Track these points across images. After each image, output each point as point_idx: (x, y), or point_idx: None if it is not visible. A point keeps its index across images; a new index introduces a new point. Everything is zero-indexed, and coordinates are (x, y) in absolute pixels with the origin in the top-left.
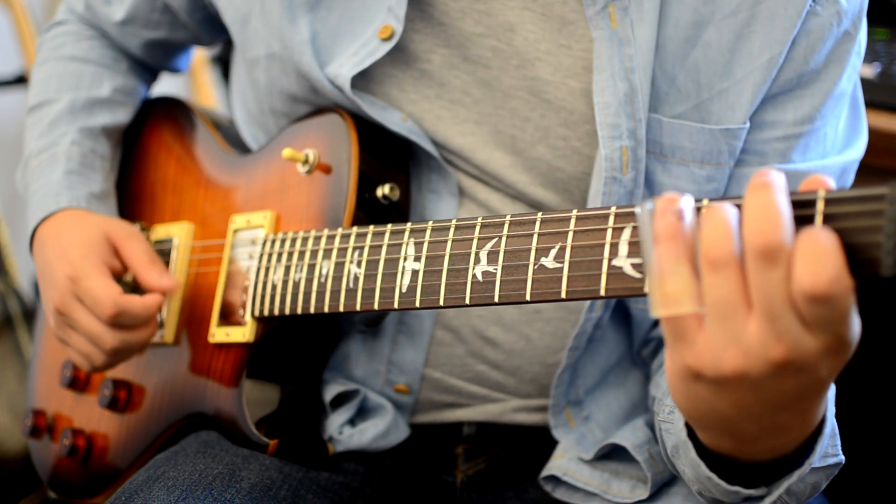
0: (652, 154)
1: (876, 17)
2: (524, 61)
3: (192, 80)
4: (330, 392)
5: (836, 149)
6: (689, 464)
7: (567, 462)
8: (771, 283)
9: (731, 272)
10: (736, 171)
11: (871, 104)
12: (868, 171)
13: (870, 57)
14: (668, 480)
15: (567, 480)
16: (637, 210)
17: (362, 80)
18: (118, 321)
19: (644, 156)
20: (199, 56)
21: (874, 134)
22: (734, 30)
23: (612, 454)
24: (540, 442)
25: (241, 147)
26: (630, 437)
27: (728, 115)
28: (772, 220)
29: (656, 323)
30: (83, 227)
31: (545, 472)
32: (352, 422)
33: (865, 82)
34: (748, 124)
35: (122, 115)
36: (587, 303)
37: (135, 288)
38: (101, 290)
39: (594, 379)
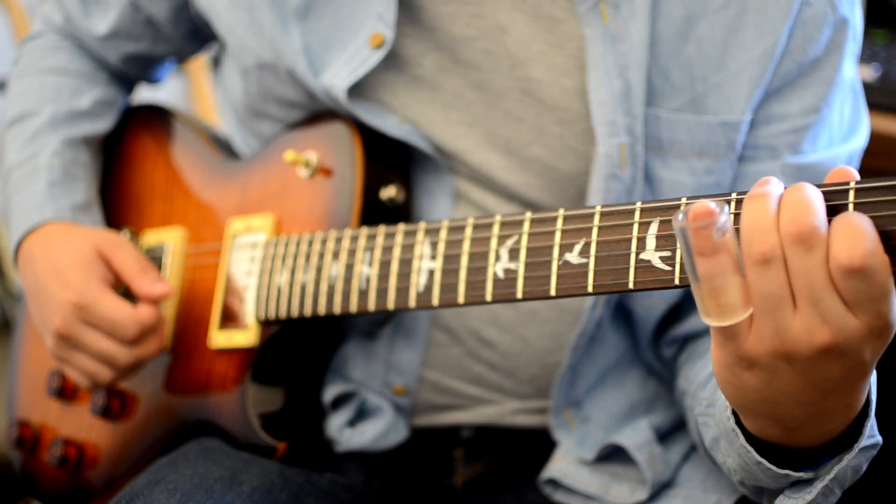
0: (651, 149)
1: (876, 18)
2: (516, 62)
3: (192, 84)
4: (329, 393)
5: (841, 135)
6: (737, 452)
7: (566, 464)
8: (810, 267)
9: (778, 266)
10: (749, 169)
11: (871, 106)
12: (867, 173)
13: (870, 58)
14: (667, 482)
15: (567, 483)
16: (675, 224)
17: (355, 87)
18: (140, 338)
19: (642, 152)
20: (198, 60)
21: (874, 136)
22: (726, 23)
23: (612, 456)
24: (538, 445)
25: (232, 153)
26: (631, 437)
27: (725, 107)
28: (804, 207)
29: (669, 321)
30: (73, 244)
31: (544, 474)
32: (351, 423)
33: (865, 84)
34: (747, 117)
35: (102, 125)
36: (588, 303)
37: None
38: (119, 313)
39: (594, 379)
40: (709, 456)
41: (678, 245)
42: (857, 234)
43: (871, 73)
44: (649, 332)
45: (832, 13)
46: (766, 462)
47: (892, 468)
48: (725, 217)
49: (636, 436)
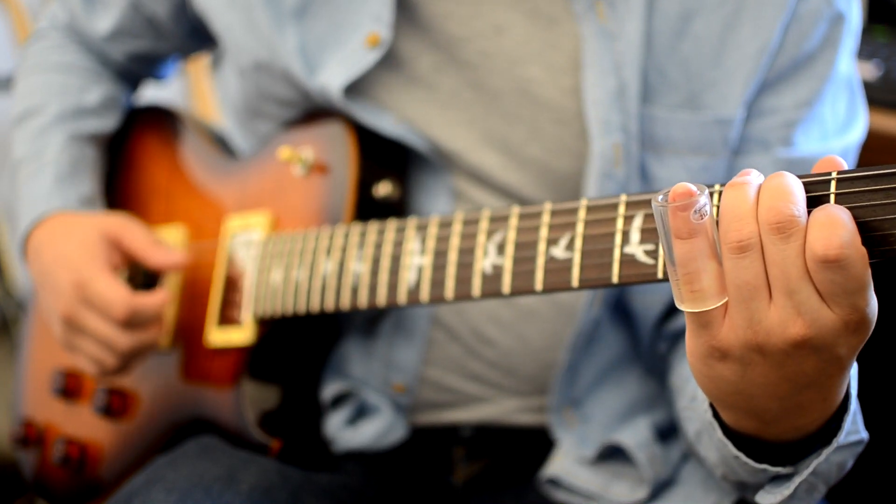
0: (646, 147)
1: (877, 15)
2: (513, 62)
3: (192, 84)
4: (328, 392)
5: (835, 129)
6: (715, 445)
7: (566, 463)
8: (786, 257)
9: (754, 254)
10: (741, 162)
11: (871, 103)
12: None
13: (870, 55)
14: (667, 481)
15: (567, 482)
16: (654, 204)
17: (352, 86)
18: (131, 321)
19: (637, 150)
20: (198, 60)
21: (875, 134)
22: (722, 20)
23: (613, 455)
24: (538, 444)
25: (232, 152)
26: (631, 436)
27: (720, 104)
28: (783, 195)
29: (665, 317)
30: (78, 230)
31: (544, 473)
32: (350, 422)
33: (865, 82)
34: (741, 113)
35: (108, 123)
36: (585, 303)
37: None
38: (111, 292)
39: (593, 378)
40: (693, 451)
41: (656, 227)
42: (833, 224)
43: (871, 70)
44: (649, 330)
45: (828, 8)
46: (742, 456)
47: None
48: (705, 199)
49: (636, 435)
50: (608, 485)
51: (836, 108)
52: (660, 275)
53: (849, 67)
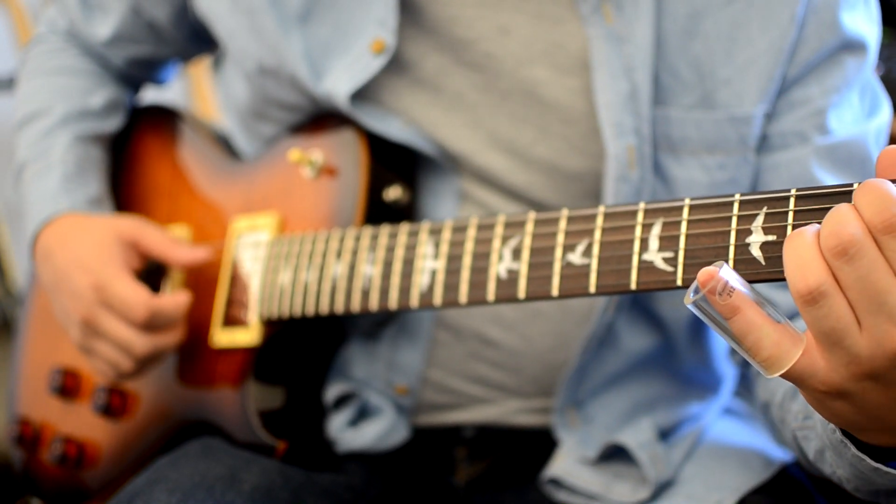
0: (663, 148)
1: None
2: (519, 63)
3: (193, 84)
4: (331, 393)
5: (864, 112)
6: (848, 462)
7: (568, 464)
8: (860, 276)
9: (830, 299)
10: (781, 157)
11: None
12: None
13: None
14: (669, 481)
15: (568, 482)
16: (690, 306)
17: (358, 91)
18: (151, 324)
19: (650, 153)
20: (200, 61)
21: None
22: (730, 18)
23: (614, 455)
24: (540, 444)
25: (235, 153)
26: (633, 436)
27: (735, 102)
28: (839, 222)
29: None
30: (91, 232)
31: (546, 474)
32: (352, 423)
33: None
34: (759, 110)
35: (113, 124)
36: (599, 306)
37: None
38: (131, 294)
39: (601, 381)
40: (813, 468)
41: (707, 324)
42: (879, 188)
43: None
44: (685, 335)
45: None
46: (883, 467)
47: None
48: (724, 274)
49: (638, 435)
50: (610, 485)
51: (864, 92)
52: (679, 282)
53: (873, 52)
